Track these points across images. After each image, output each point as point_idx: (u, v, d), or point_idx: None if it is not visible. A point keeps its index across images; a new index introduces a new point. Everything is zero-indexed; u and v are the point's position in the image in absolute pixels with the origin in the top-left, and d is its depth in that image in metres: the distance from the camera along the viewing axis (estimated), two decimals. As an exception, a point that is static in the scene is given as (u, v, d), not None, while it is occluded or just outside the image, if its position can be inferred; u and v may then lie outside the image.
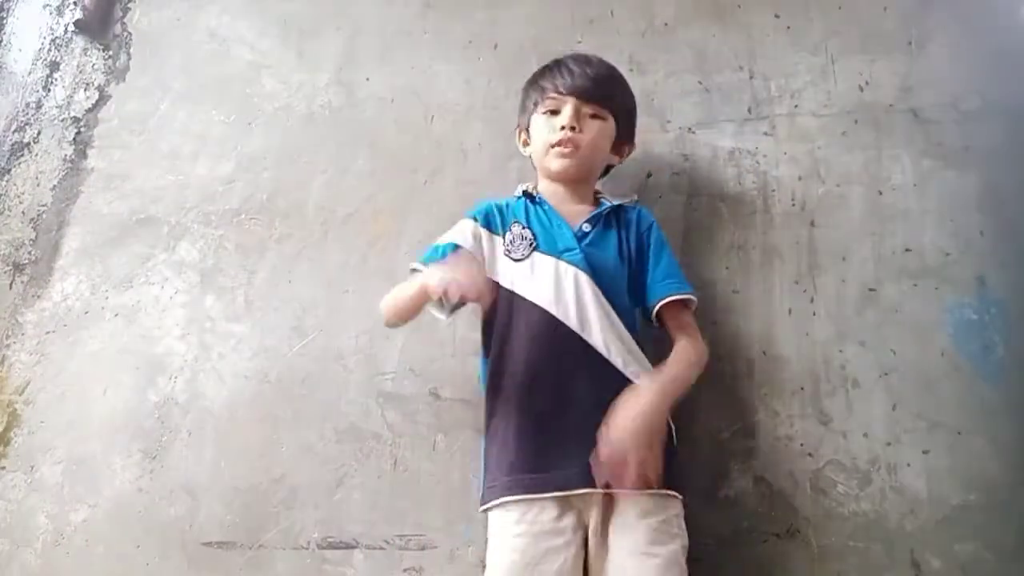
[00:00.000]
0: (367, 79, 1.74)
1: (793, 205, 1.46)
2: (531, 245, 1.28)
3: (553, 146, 1.31)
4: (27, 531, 1.43)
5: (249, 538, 1.36)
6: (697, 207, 1.49)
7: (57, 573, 1.39)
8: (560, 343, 1.19)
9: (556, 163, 1.31)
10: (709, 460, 1.30)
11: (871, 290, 1.37)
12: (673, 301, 1.25)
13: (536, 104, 1.36)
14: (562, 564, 1.08)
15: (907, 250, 1.39)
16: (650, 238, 1.32)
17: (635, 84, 1.59)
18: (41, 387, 1.57)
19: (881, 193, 1.44)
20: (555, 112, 1.32)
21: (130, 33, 1.92)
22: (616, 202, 1.35)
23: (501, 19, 1.73)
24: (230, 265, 1.61)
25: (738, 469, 1.28)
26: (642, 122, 1.57)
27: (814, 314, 1.37)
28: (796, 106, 1.54)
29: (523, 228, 1.30)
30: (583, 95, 1.31)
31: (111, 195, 1.74)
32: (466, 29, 1.73)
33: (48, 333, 1.62)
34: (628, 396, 1.11)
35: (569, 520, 1.11)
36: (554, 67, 1.36)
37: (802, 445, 1.29)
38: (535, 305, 1.22)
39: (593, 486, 1.09)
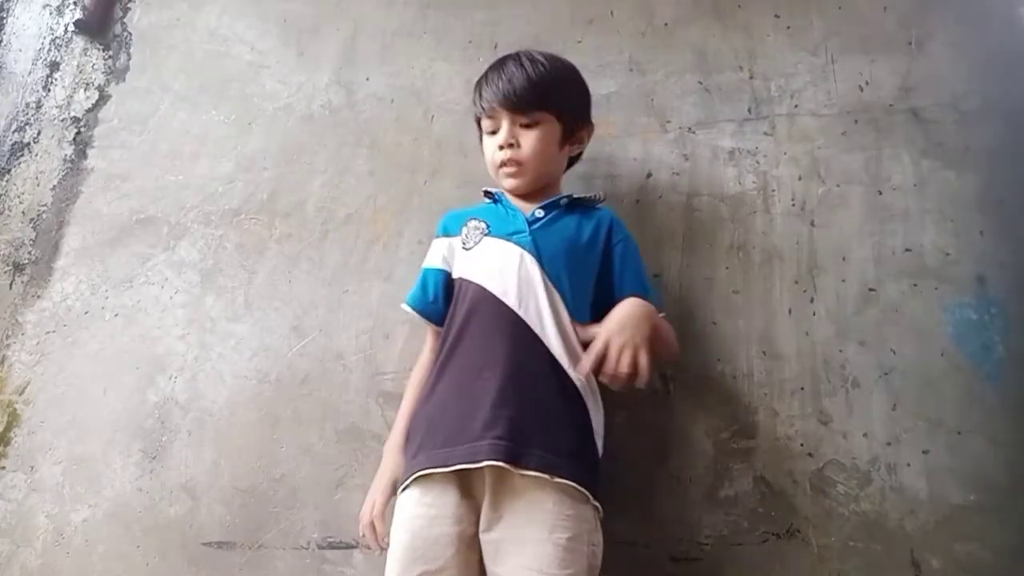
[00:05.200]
0: (367, 79, 1.73)
1: (793, 205, 1.46)
2: (483, 232, 1.28)
3: (499, 167, 1.30)
4: (27, 531, 1.43)
5: (249, 538, 1.36)
6: (697, 207, 1.49)
7: (57, 573, 1.39)
8: (495, 319, 1.17)
9: (507, 183, 1.32)
10: (709, 460, 1.30)
11: (871, 290, 1.37)
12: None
13: (479, 120, 1.35)
14: (454, 554, 1.05)
15: (907, 250, 1.39)
16: (615, 237, 1.29)
17: (635, 84, 1.60)
18: (41, 387, 1.57)
19: (881, 193, 1.44)
20: (494, 132, 1.31)
21: (130, 33, 1.92)
22: (577, 195, 1.32)
23: (501, 19, 1.73)
24: (230, 265, 1.61)
25: (738, 469, 1.28)
26: (642, 122, 1.57)
27: (814, 314, 1.37)
28: (796, 106, 1.54)
29: (478, 221, 1.31)
30: (512, 107, 1.27)
31: (111, 195, 1.74)
32: (466, 29, 1.73)
33: (48, 333, 1.62)
34: (618, 306, 1.14)
35: (467, 507, 1.07)
36: (486, 77, 1.33)
37: (802, 445, 1.29)
38: (475, 283, 1.22)
39: (497, 459, 1.03)
